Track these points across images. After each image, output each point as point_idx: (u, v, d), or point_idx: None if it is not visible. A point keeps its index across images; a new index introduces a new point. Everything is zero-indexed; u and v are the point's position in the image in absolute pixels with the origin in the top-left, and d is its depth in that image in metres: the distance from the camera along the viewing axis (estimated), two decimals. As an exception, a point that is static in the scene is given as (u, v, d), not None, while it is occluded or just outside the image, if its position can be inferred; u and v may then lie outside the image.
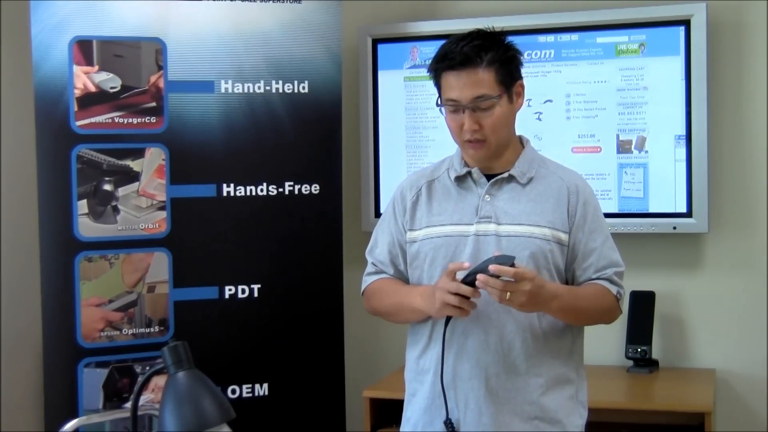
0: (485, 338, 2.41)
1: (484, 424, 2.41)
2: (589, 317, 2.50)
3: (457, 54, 2.38)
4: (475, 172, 2.49)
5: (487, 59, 2.38)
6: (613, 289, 2.47)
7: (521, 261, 2.37)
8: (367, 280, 2.65)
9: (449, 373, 2.44)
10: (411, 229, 2.54)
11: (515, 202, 2.46)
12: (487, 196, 2.47)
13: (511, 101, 2.45)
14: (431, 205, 2.53)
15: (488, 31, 2.47)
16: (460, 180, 2.52)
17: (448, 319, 2.36)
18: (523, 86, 2.49)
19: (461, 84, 2.38)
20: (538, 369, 2.42)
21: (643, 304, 3.72)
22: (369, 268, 2.66)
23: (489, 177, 2.49)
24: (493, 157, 2.48)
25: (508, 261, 2.25)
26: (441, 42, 3.85)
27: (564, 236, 2.45)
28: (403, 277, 2.59)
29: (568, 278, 2.49)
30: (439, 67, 2.44)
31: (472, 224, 2.45)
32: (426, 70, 2.55)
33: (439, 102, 2.47)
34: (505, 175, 2.48)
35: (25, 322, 3.86)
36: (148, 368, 3.44)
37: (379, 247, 2.63)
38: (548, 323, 2.44)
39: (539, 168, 2.52)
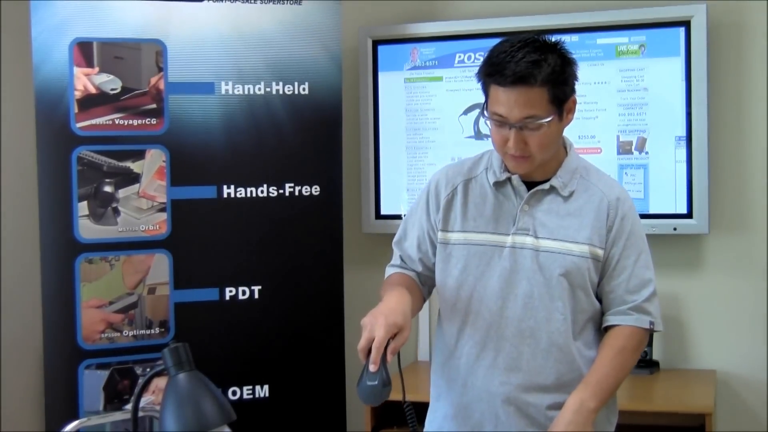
0: (518, 355, 2.36)
1: None
2: (628, 372, 2.41)
3: (510, 71, 2.21)
4: (516, 179, 2.38)
5: (541, 78, 2.22)
6: (645, 324, 2.38)
7: (553, 279, 2.33)
8: (388, 271, 2.56)
9: (478, 386, 2.40)
10: (443, 230, 2.45)
11: (554, 215, 2.37)
12: (525, 206, 2.37)
13: (561, 119, 2.31)
14: (467, 207, 2.43)
15: (546, 41, 2.29)
16: (498, 185, 2.41)
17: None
18: (575, 101, 2.34)
19: (511, 102, 2.24)
20: (569, 387, 2.34)
21: (643, 305, 3.71)
22: (394, 260, 2.57)
23: (528, 184, 2.39)
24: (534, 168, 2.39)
25: None
26: (441, 43, 3.99)
27: (600, 252, 2.36)
28: (429, 275, 2.51)
29: (598, 292, 2.41)
30: (487, 80, 2.29)
31: (509, 235, 2.38)
32: (475, 74, 2.36)
33: (485, 112, 2.33)
34: (546, 186, 2.38)
35: (25, 324, 3.86)
36: (148, 370, 3.44)
37: (408, 240, 2.53)
38: (582, 340, 2.40)
39: (581, 179, 2.41)
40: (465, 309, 2.42)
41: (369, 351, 2.15)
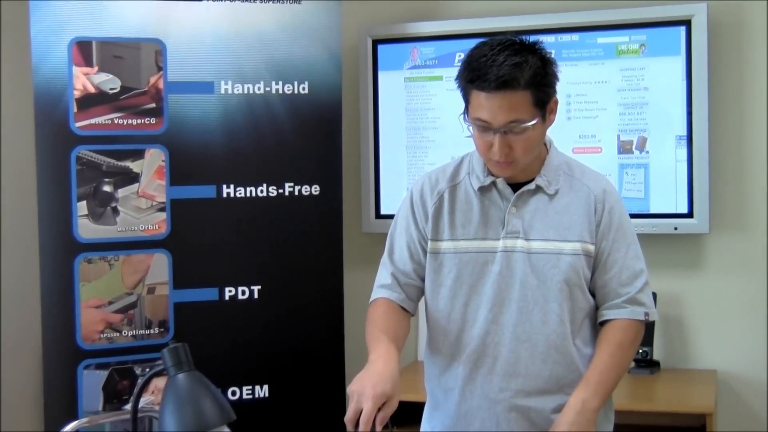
0: (516, 360, 2.34)
1: None
2: (627, 367, 2.40)
3: (493, 75, 2.17)
4: (500, 182, 2.35)
5: (524, 82, 2.19)
6: (640, 315, 2.37)
7: (553, 284, 2.31)
8: (376, 293, 2.48)
9: (478, 394, 2.38)
10: (433, 239, 2.41)
11: (543, 214, 2.35)
12: (513, 208, 2.35)
13: (544, 120, 2.28)
14: (454, 215, 2.40)
15: (524, 42, 2.26)
16: (483, 190, 2.38)
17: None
18: (557, 102, 2.31)
19: (494, 107, 2.20)
20: (569, 388, 2.33)
21: (644, 304, 3.71)
22: (384, 278, 2.48)
23: (513, 186, 2.36)
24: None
25: None
26: (441, 42, 4.00)
27: (592, 247, 2.34)
28: (423, 286, 2.46)
29: (591, 287, 2.38)
30: (469, 86, 2.24)
31: (499, 239, 2.35)
32: (454, 79, 2.32)
33: (465, 117, 2.29)
34: (532, 186, 2.35)
35: (24, 324, 3.85)
36: (148, 370, 3.45)
37: (397, 253, 2.47)
38: (580, 339, 2.38)
39: (565, 176, 2.39)
40: (460, 318, 2.39)
41: (358, 421, 2.09)
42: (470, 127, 2.29)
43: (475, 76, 2.21)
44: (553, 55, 2.31)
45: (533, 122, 2.23)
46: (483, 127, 2.25)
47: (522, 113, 2.21)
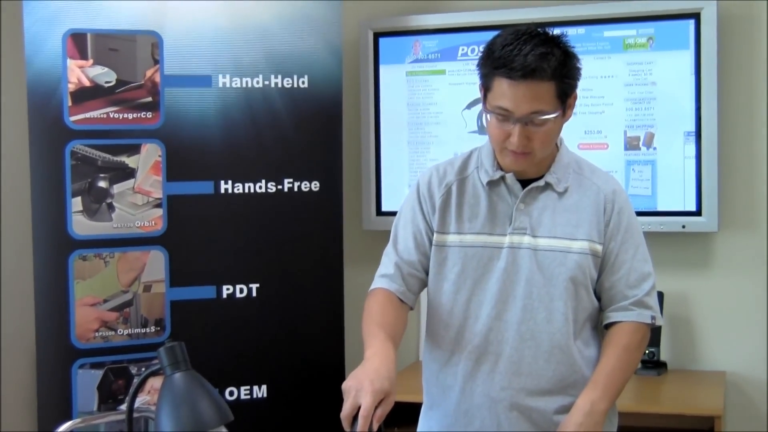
0: (519, 359, 2.32)
1: None
2: (633, 370, 2.38)
3: (519, 64, 2.17)
4: (510, 177, 2.34)
5: (550, 72, 2.19)
6: (647, 319, 2.35)
7: (559, 282, 2.30)
8: (376, 282, 2.44)
9: (479, 392, 2.36)
10: (440, 231, 2.39)
11: (551, 212, 2.34)
12: (521, 204, 2.34)
13: (564, 114, 2.28)
14: (461, 208, 2.39)
15: (548, 33, 2.25)
16: (492, 184, 2.37)
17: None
18: (576, 97, 2.30)
19: (518, 95, 2.19)
20: (571, 389, 2.32)
21: (651, 304, 3.68)
22: (386, 268, 2.44)
23: (522, 182, 2.36)
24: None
25: None
26: (444, 36, 3.97)
27: (599, 247, 2.34)
28: (425, 279, 2.43)
29: (596, 289, 2.37)
30: (493, 73, 2.23)
31: (506, 235, 2.34)
32: (476, 66, 2.30)
33: (484, 105, 2.29)
34: (541, 183, 2.34)
35: (18, 323, 3.85)
36: (144, 369, 3.41)
37: (402, 243, 2.44)
38: (581, 340, 2.36)
39: (575, 174, 2.38)
40: (463, 314, 2.37)
41: (353, 418, 2.06)
42: (488, 116, 2.29)
43: (500, 63, 2.21)
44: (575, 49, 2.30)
45: (555, 114, 2.23)
46: (503, 116, 2.24)
47: (545, 104, 2.21)
